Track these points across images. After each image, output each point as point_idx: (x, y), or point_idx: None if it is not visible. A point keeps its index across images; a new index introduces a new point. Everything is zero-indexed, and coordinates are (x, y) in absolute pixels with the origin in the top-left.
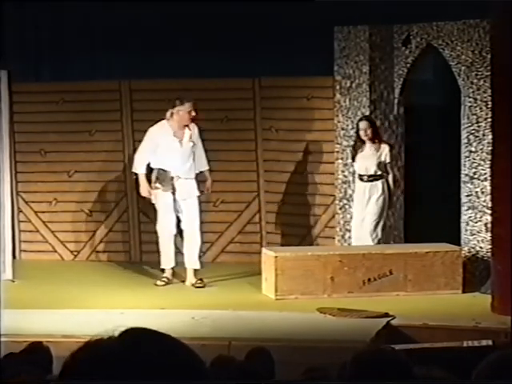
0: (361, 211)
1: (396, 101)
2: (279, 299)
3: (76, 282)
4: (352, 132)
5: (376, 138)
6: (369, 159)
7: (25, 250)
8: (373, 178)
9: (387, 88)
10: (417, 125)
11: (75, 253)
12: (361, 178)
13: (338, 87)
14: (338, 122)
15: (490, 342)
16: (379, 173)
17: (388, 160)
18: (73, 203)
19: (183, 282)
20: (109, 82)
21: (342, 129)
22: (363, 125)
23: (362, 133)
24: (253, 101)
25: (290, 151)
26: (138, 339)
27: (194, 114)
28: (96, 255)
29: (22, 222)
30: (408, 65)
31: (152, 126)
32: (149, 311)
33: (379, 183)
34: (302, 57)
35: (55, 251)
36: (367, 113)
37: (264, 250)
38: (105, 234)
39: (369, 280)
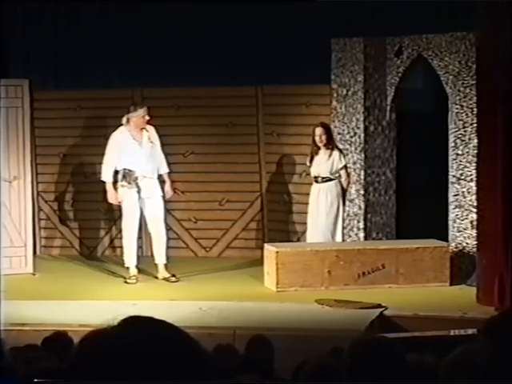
0: (315, 211)
1: (388, 107)
2: (280, 291)
3: (92, 275)
4: (348, 136)
5: (330, 144)
6: (322, 165)
7: (45, 246)
8: (326, 179)
9: (380, 95)
10: (408, 130)
11: (91, 248)
12: (315, 179)
13: (334, 95)
14: (335, 127)
15: (475, 331)
16: (331, 176)
17: (340, 165)
18: (89, 202)
19: (156, 277)
20: (122, 90)
21: (338, 133)
22: (319, 131)
23: (317, 139)
24: (255, 107)
25: (290, 154)
26: (136, 327)
27: (147, 118)
28: (110, 250)
29: (42, 219)
30: (400, 74)
31: (113, 131)
32: (159, 302)
33: (332, 183)
34: (301, 67)
35: (73, 247)
36: (361, 118)
37: (266, 246)
38: (119, 231)
39: (363, 273)
